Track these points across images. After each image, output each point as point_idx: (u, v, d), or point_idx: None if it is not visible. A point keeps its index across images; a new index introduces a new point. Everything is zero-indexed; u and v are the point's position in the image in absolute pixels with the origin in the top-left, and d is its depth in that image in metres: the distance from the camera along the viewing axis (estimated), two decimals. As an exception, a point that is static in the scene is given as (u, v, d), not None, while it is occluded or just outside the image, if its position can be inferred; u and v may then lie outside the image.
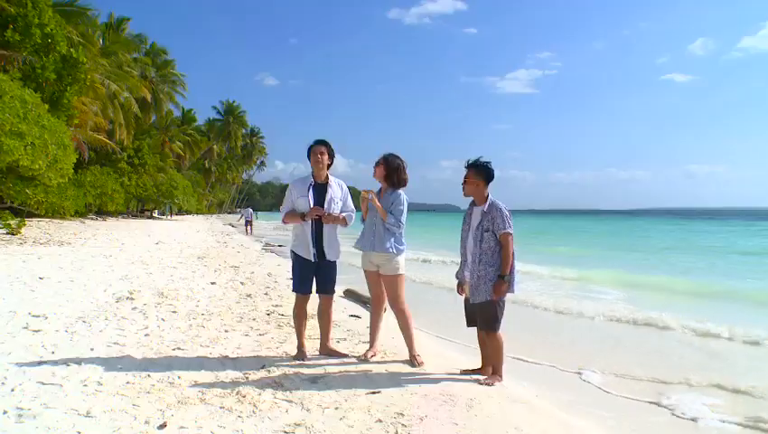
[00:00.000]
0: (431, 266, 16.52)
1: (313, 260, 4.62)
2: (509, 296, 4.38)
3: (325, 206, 4.58)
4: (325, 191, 4.64)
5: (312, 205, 4.56)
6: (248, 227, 34.13)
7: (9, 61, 17.26)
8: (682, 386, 5.15)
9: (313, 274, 4.68)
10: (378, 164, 4.74)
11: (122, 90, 31.88)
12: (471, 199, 4.54)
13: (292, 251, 4.74)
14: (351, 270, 9.13)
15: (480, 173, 4.41)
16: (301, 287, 4.67)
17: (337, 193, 4.68)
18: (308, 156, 4.70)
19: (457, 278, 4.66)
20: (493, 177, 4.43)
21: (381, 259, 4.64)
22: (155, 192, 41.98)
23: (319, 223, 4.60)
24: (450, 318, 7.91)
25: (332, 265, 4.74)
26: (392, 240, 4.61)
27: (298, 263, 4.67)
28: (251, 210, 37.61)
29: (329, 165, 4.71)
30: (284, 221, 4.68)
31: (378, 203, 4.60)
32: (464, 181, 4.47)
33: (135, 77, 36.47)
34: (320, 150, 4.64)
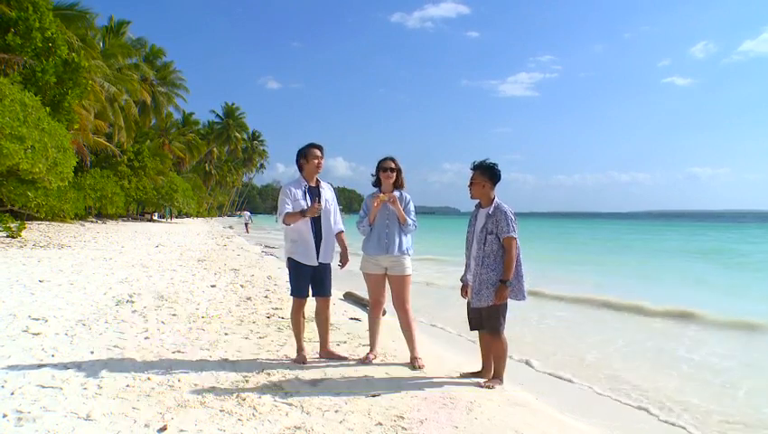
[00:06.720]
0: (432, 267, 16.51)
1: (315, 265, 4.61)
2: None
3: (322, 208, 4.60)
4: (319, 194, 4.67)
5: None
6: (247, 227, 39.48)
7: (10, 64, 17.30)
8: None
9: (311, 277, 4.67)
10: (390, 170, 4.74)
11: (122, 93, 31.91)
12: (475, 202, 4.53)
13: (290, 258, 4.66)
14: (348, 273, 9.09)
15: (485, 174, 4.39)
16: (300, 291, 4.65)
17: (329, 196, 4.74)
18: (298, 159, 4.69)
19: (462, 280, 4.65)
20: (500, 178, 4.40)
21: (393, 260, 4.65)
22: (155, 195, 42.07)
23: (319, 226, 4.61)
24: (451, 320, 7.92)
25: (328, 267, 4.74)
26: (406, 241, 4.69)
27: (297, 269, 4.62)
28: (248, 213, 45.40)
29: None
30: (285, 223, 4.52)
31: (399, 208, 4.64)
32: (471, 183, 4.45)
33: (135, 80, 36.50)
34: (318, 155, 4.66)
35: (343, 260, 4.77)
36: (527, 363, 5.89)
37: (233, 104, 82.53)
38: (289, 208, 4.52)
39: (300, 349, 4.69)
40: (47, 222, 23.53)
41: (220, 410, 3.40)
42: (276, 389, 3.87)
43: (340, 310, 7.55)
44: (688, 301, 9.83)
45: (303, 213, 4.44)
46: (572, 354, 6.40)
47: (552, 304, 9.91)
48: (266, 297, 8.14)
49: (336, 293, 7.82)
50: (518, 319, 7.56)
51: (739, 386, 5.27)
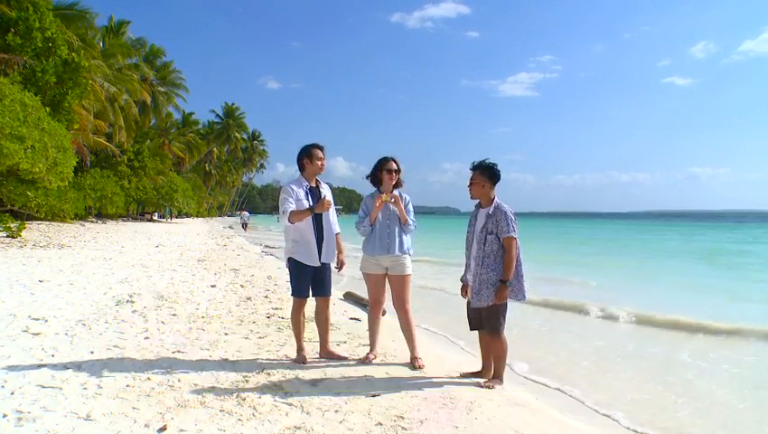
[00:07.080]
0: (432, 268, 16.51)
1: (318, 265, 4.61)
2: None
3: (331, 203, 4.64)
4: (320, 193, 4.67)
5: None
6: (245, 227, 40.91)
7: (10, 64, 17.30)
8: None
9: (311, 277, 4.67)
10: (396, 171, 4.75)
11: (122, 93, 31.92)
12: (475, 202, 4.53)
13: (290, 259, 4.65)
14: (347, 273, 9.09)
15: (485, 174, 4.39)
16: (300, 291, 4.65)
17: (329, 195, 4.74)
18: (301, 158, 4.68)
19: (462, 280, 4.65)
20: (499, 178, 4.41)
21: (394, 260, 4.66)
22: (155, 195, 42.11)
23: (320, 226, 4.61)
24: (450, 321, 7.92)
25: (328, 267, 4.74)
26: (407, 241, 4.71)
27: (298, 269, 4.62)
28: (247, 213, 47.46)
29: None
30: (290, 221, 4.44)
31: (402, 208, 4.66)
32: (470, 183, 4.46)
33: (135, 80, 36.51)
34: (321, 156, 4.67)
35: (340, 263, 4.78)
36: (509, 366, 5.75)
37: (233, 104, 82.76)
38: (293, 206, 4.48)
39: (300, 349, 4.69)
40: (47, 222, 23.53)
41: (220, 410, 3.40)
42: (276, 389, 3.87)
43: (340, 310, 7.55)
44: (688, 306, 9.73)
45: (311, 209, 4.45)
46: (567, 359, 6.34)
47: (550, 307, 9.86)
48: (266, 297, 8.14)
49: (336, 293, 7.83)
50: (518, 321, 7.55)
51: (743, 398, 5.07)
